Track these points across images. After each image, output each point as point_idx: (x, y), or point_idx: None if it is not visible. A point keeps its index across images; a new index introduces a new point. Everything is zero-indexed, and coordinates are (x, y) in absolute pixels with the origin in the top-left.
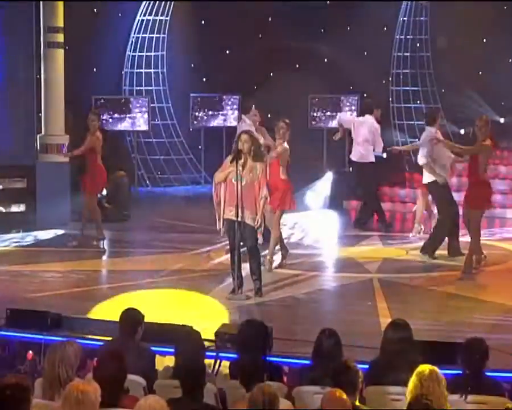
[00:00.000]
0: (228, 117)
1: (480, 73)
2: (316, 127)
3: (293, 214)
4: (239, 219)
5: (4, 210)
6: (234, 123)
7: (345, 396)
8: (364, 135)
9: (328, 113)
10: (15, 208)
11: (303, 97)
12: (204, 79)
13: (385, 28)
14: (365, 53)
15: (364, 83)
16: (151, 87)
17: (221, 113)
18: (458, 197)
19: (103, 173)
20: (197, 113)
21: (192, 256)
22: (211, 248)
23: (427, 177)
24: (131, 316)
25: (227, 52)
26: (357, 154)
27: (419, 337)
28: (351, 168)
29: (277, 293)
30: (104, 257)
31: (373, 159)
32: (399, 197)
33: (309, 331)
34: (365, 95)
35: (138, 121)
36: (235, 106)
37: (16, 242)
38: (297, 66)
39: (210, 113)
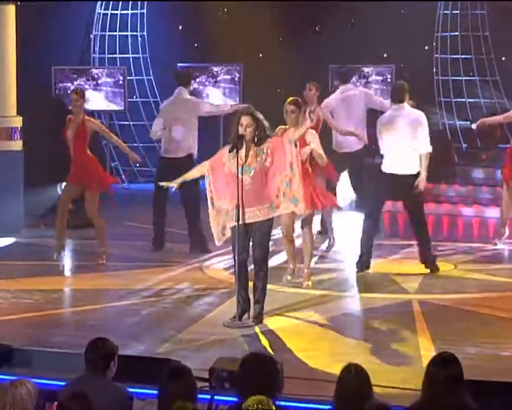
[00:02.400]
0: (227, 93)
1: None
2: None
3: None
4: (241, 221)
5: None
6: (233, 102)
7: None
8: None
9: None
10: None
11: (322, 68)
12: (196, 45)
13: None
14: (402, 11)
15: (401, 50)
16: (127, 55)
17: (217, 88)
18: None
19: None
20: None
21: (179, 271)
22: (204, 260)
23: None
24: (102, 348)
25: (225, 10)
26: None
27: (471, 376)
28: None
29: (290, 318)
30: (66, 273)
31: None
32: (446, 197)
33: (330, 367)
34: (402, 65)
35: (111, 97)
36: (235, 80)
37: None
38: (316, 28)
39: (204, 87)
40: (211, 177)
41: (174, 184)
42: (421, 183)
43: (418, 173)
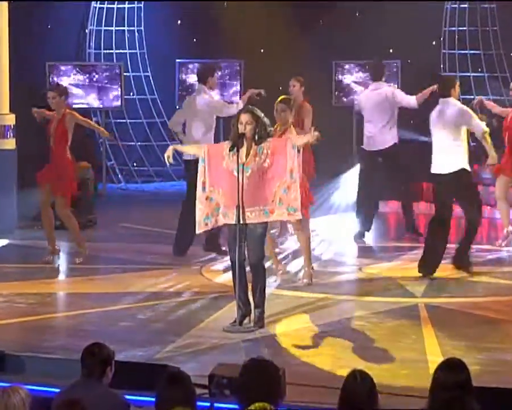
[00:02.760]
0: (227, 90)
1: None
2: (342, 103)
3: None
4: (241, 221)
5: None
6: (234, 98)
7: None
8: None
9: (360, 85)
10: None
11: (326, 64)
12: (194, 40)
13: None
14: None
15: (407, 45)
16: (124, 51)
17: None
18: None
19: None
20: (185, 84)
21: (178, 273)
22: (203, 262)
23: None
24: (98, 353)
25: (225, 4)
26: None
27: (479, 383)
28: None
29: (292, 323)
30: (60, 276)
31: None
32: None
33: (334, 373)
34: (409, 61)
35: (107, 95)
36: (235, 76)
37: None
38: (320, 22)
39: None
40: (206, 161)
41: (169, 154)
42: (490, 159)
43: (461, 170)
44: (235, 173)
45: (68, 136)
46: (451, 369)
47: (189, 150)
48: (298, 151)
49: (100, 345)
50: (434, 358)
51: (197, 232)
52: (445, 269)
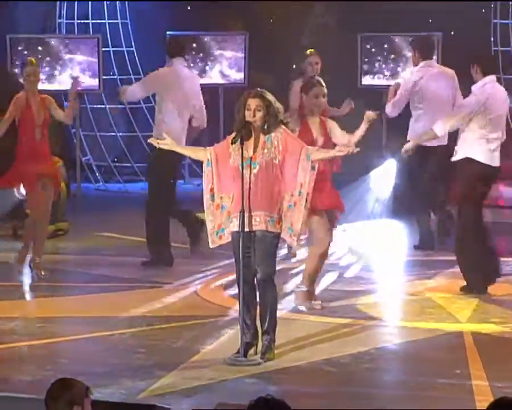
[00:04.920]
0: (226, 68)
1: None
2: (369, 85)
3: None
4: (247, 228)
5: None
6: (237, 78)
7: None
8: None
9: (390, 64)
10: None
11: (350, 38)
12: (188, 7)
13: None
14: None
15: (450, 14)
16: (102, 21)
17: (215, 62)
18: None
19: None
20: None
21: (169, 294)
22: (199, 280)
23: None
24: (66, 391)
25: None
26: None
27: None
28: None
29: (308, 354)
30: (26, 297)
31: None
32: (504, 200)
33: None
34: (452, 33)
35: (82, 74)
36: (238, 53)
37: None
38: None
39: (199, 62)
40: (214, 163)
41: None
42: None
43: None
44: (240, 169)
45: None
46: None
47: (192, 153)
48: (313, 168)
49: (70, 381)
50: (483, 397)
51: (211, 247)
52: (497, 288)
